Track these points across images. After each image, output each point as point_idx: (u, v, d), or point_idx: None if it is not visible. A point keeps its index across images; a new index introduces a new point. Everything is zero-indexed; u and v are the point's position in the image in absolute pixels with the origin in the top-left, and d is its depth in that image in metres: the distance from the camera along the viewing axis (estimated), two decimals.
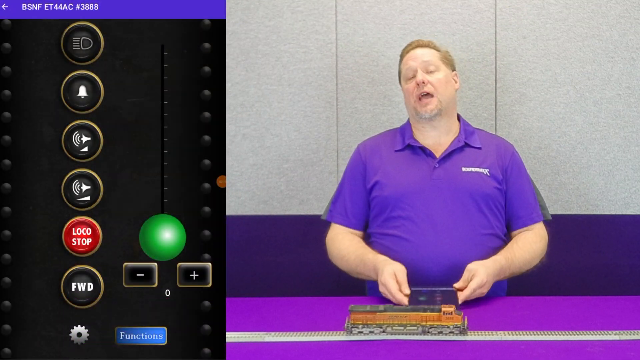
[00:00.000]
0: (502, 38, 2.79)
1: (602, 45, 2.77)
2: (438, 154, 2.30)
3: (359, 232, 2.34)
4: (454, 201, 2.24)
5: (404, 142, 2.33)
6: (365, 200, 2.33)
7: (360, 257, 2.22)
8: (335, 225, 2.35)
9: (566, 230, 2.77)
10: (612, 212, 2.78)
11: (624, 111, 2.78)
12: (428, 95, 2.27)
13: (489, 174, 2.28)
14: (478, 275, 2.05)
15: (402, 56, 2.38)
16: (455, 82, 2.36)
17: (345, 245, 2.29)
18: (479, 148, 2.32)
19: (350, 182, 2.35)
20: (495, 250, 2.23)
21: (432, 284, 2.16)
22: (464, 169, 2.28)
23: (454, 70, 2.37)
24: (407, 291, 1.99)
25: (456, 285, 2.05)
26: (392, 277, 2.03)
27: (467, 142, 2.31)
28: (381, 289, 2.05)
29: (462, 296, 2.01)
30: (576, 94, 2.78)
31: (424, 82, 2.26)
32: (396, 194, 2.26)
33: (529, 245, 2.25)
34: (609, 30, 2.76)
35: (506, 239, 2.30)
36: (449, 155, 2.29)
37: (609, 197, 2.79)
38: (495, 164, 2.30)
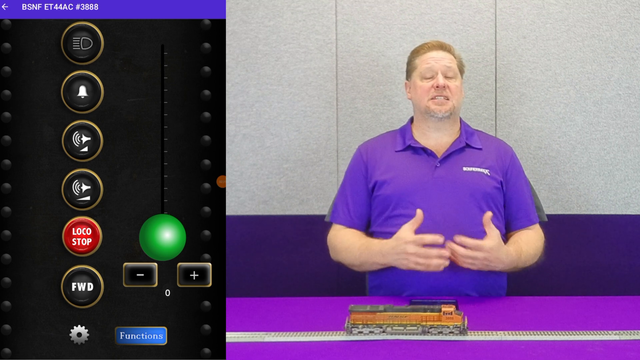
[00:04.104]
0: (502, 38, 2.79)
1: (602, 45, 2.77)
2: (439, 154, 2.31)
3: (362, 233, 2.35)
4: (455, 199, 2.25)
5: (405, 142, 2.34)
6: (367, 200, 2.34)
7: (365, 245, 2.23)
8: (336, 225, 2.36)
9: (566, 230, 2.77)
10: (612, 212, 2.79)
11: (624, 111, 2.78)
12: (444, 98, 2.28)
13: (489, 174, 2.29)
14: (492, 243, 2.08)
15: (418, 52, 2.36)
16: (461, 90, 2.37)
17: (348, 237, 2.30)
18: (480, 149, 2.33)
19: (352, 183, 2.36)
20: None
21: (431, 281, 2.16)
22: (464, 169, 2.29)
23: (463, 74, 2.39)
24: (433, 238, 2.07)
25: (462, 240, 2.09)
26: (412, 233, 2.09)
27: (468, 143, 2.33)
28: (404, 256, 2.09)
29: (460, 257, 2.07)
30: (576, 94, 2.78)
31: (444, 87, 2.28)
32: (398, 192, 2.27)
33: (532, 242, 2.27)
34: (609, 30, 2.76)
35: (505, 239, 2.30)
36: (450, 155, 2.30)
37: (609, 197, 2.79)
38: (495, 165, 2.31)
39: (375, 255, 2.19)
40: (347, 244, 2.29)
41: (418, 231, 2.20)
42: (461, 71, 2.36)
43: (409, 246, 2.08)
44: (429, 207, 2.24)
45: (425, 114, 2.31)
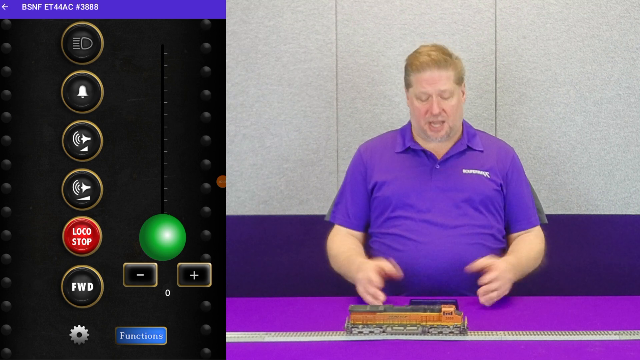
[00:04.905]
0: (502, 38, 2.79)
1: (602, 45, 2.77)
2: (439, 156, 2.30)
3: (360, 233, 2.35)
4: (454, 202, 2.25)
5: (405, 144, 2.33)
6: (367, 201, 2.33)
7: (349, 258, 2.22)
8: (336, 226, 2.36)
9: (566, 230, 2.77)
10: (612, 212, 2.78)
11: (624, 111, 2.78)
12: (440, 122, 2.24)
13: (489, 176, 2.28)
14: (499, 272, 2.06)
15: (413, 66, 2.26)
16: (463, 93, 2.31)
17: (337, 245, 2.30)
18: (481, 151, 2.32)
19: (352, 183, 2.36)
20: (493, 250, 2.25)
21: (431, 282, 2.16)
22: (464, 171, 2.28)
23: (463, 80, 2.31)
24: (381, 295, 2.03)
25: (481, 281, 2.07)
26: (375, 271, 2.07)
27: (469, 145, 2.31)
28: (361, 282, 2.07)
29: (483, 297, 2.03)
30: (576, 94, 2.78)
31: (439, 113, 2.22)
32: (397, 194, 2.26)
33: (532, 245, 2.26)
34: (609, 30, 2.76)
35: (504, 240, 2.30)
36: (450, 157, 2.30)
37: (609, 197, 2.79)
38: (495, 167, 2.30)
39: (350, 274, 2.18)
40: (336, 251, 2.29)
41: (418, 230, 2.21)
42: (460, 81, 2.28)
43: (363, 280, 2.08)
44: (427, 209, 2.25)
45: (422, 134, 2.29)
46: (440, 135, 2.26)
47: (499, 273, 2.05)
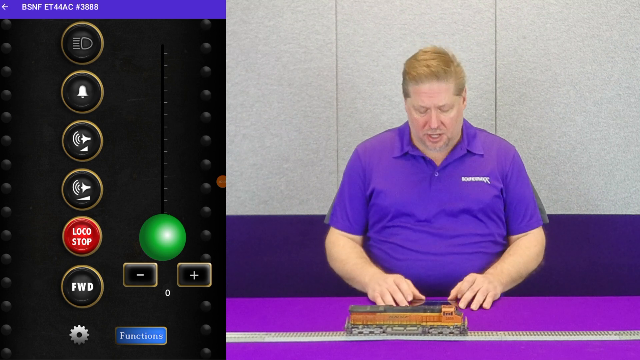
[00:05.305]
0: (502, 38, 2.79)
1: (602, 45, 2.77)
2: (438, 162, 2.26)
3: (360, 237, 2.34)
4: (453, 212, 2.22)
5: (403, 149, 2.28)
6: (366, 205, 2.31)
7: (359, 264, 2.22)
8: (336, 230, 2.34)
9: (566, 230, 2.77)
10: (612, 212, 2.79)
11: (624, 111, 2.78)
12: (438, 134, 2.19)
13: (489, 182, 2.25)
14: (467, 277, 2.09)
15: (410, 77, 2.19)
16: (464, 100, 2.25)
17: (347, 250, 2.28)
18: (481, 155, 2.27)
19: (350, 186, 2.33)
20: (494, 255, 2.25)
21: (431, 291, 2.15)
22: (464, 179, 2.25)
23: (464, 88, 2.24)
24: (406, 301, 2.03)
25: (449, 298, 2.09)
26: (405, 281, 2.07)
27: (469, 149, 2.26)
28: (381, 287, 2.06)
29: (462, 300, 2.03)
30: (576, 94, 2.78)
31: (438, 127, 2.17)
32: (395, 204, 2.24)
33: (524, 250, 2.25)
34: (609, 30, 2.76)
35: (505, 242, 2.29)
36: (449, 164, 2.26)
37: (609, 197, 2.79)
38: (495, 169, 2.26)
39: (360, 279, 2.18)
40: (344, 256, 2.27)
41: (417, 240, 2.23)
42: (461, 90, 2.21)
43: (389, 280, 2.07)
44: (426, 219, 2.22)
45: (421, 143, 2.24)
46: (438, 146, 2.21)
47: (466, 280, 2.07)
